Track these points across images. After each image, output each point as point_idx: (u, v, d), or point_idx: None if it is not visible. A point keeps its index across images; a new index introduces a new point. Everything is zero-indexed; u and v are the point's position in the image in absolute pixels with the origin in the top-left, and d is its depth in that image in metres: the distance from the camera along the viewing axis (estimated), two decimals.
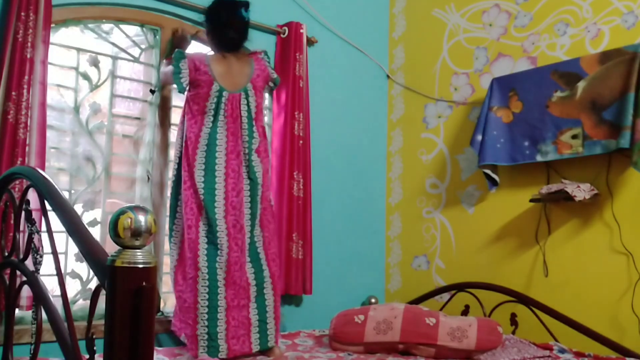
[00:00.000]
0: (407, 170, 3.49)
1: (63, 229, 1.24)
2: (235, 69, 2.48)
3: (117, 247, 0.98)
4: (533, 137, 2.74)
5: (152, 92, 2.66)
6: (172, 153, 2.75)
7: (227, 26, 2.47)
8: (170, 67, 2.46)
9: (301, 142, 2.97)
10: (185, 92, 2.44)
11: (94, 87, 2.54)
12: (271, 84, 2.63)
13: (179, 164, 2.44)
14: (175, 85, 2.45)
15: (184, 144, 2.41)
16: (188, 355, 2.29)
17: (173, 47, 2.64)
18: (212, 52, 2.58)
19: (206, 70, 2.40)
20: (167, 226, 2.57)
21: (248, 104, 2.48)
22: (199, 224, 2.34)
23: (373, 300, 3.22)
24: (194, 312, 2.28)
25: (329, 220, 3.22)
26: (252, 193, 2.46)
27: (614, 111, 2.48)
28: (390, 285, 3.47)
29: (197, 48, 2.81)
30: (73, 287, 2.40)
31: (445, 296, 3.05)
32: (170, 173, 2.54)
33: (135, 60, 2.70)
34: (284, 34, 3.05)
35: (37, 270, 1.43)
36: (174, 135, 2.77)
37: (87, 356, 1.11)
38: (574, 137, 2.60)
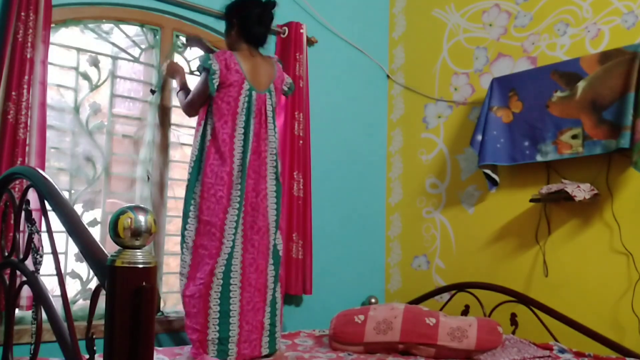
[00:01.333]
0: (407, 170, 3.49)
1: (63, 229, 1.24)
2: (261, 69, 2.43)
3: (117, 247, 0.98)
4: (533, 137, 2.74)
5: (153, 92, 2.66)
6: (172, 153, 2.76)
7: (259, 21, 2.42)
8: (200, 78, 2.35)
9: (301, 142, 2.97)
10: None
11: (94, 87, 2.54)
12: (285, 88, 2.58)
13: (197, 169, 2.34)
14: (174, 87, 2.41)
15: (208, 145, 2.31)
16: (188, 355, 2.27)
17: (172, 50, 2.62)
18: (236, 51, 2.45)
19: (237, 69, 2.34)
20: (167, 226, 2.56)
21: (272, 104, 2.44)
22: (224, 228, 2.26)
23: (373, 300, 3.22)
24: (204, 317, 2.23)
25: (329, 220, 3.22)
26: (277, 194, 2.42)
27: (614, 111, 2.48)
28: (390, 285, 3.47)
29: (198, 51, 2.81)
30: (73, 287, 2.40)
31: (445, 296, 3.05)
32: (177, 174, 2.45)
33: (135, 60, 2.70)
34: (284, 34, 3.05)
35: (37, 270, 1.43)
36: (174, 135, 2.77)
37: (87, 356, 1.11)
38: (574, 137, 2.60)
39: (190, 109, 2.45)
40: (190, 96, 2.42)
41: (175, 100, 2.80)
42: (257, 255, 2.35)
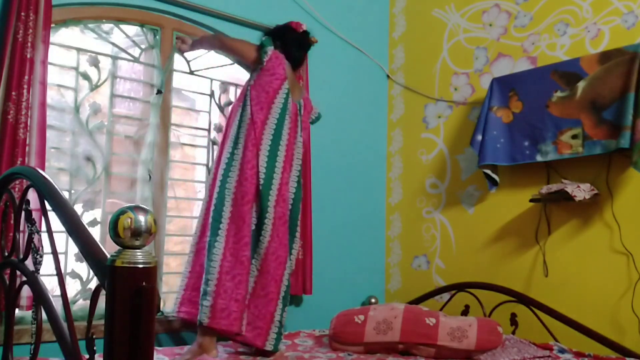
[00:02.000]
0: (407, 170, 3.49)
1: (63, 229, 1.24)
2: (296, 83, 2.65)
3: (117, 247, 0.98)
4: (533, 137, 2.74)
5: (160, 92, 2.66)
6: (172, 153, 2.76)
7: (299, 46, 2.68)
8: (251, 43, 2.59)
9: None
10: (253, 79, 2.50)
11: (94, 87, 2.54)
12: (313, 117, 2.77)
13: (235, 143, 2.43)
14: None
15: (246, 126, 2.43)
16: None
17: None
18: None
19: (284, 67, 2.51)
20: (167, 226, 2.56)
21: (300, 116, 2.59)
22: (255, 202, 2.37)
23: (373, 300, 3.23)
24: (244, 289, 2.29)
25: (329, 220, 3.22)
26: (296, 198, 2.51)
27: (614, 111, 2.48)
28: (390, 285, 3.48)
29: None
30: (73, 287, 2.40)
31: (445, 296, 3.05)
32: (178, 175, 2.52)
33: (135, 60, 2.70)
34: None
35: (37, 270, 1.43)
36: (174, 135, 2.77)
37: (87, 356, 1.11)
38: (574, 137, 2.60)
39: (224, 48, 2.71)
40: (234, 42, 2.67)
41: (176, 101, 2.80)
42: (280, 246, 2.40)
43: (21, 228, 1.68)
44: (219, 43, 2.71)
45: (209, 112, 2.91)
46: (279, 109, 2.46)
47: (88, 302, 2.32)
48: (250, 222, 2.36)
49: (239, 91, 2.88)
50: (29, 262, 1.49)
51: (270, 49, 2.50)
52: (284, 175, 2.45)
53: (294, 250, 2.49)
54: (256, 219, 2.38)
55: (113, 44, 2.63)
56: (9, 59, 2.15)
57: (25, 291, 2.02)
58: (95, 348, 1.10)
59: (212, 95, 2.92)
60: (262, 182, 2.37)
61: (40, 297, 1.39)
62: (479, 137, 2.89)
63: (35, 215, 1.63)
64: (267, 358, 2.36)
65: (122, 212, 0.97)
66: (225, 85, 2.99)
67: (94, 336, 1.11)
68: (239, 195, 2.36)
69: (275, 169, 2.42)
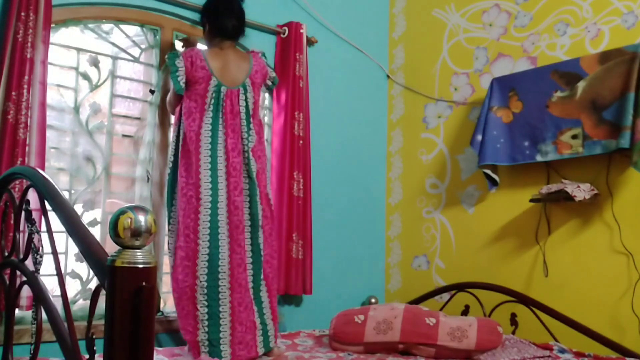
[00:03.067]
0: (407, 170, 3.49)
1: (63, 229, 1.24)
2: (233, 64, 2.43)
3: (117, 247, 0.98)
4: (533, 137, 2.74)
5: (152, 92, 2.66)
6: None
7: (228, 14, 2.45)
8: (169, 76, 2.43)
9: (301, 142, 2.97)
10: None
11: (94, 87, 2.54)
12: (269, 83, 2.60)
13: (175, 166, 2.38)
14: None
15: (181, 144, 2.36)
16: (188, 354, 2.27)
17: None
18: (207, 48, 2.52)
19: (203, 65, 2.35)
20: (167, 226, 2.55)
21: (246, 100, 2.43)
22: (197, 230, 2.26)
23: (373, 300, 3.22)
24: (193, 319, 2.24)
25: (329, 220, 3.22)
26: (251, 192, 2.40)
27: (614, 111, 2.48)
28: (390, 285, 3.48)
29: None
30: (73, 287, 2.40)
31: (445, 296, 3.05)
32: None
33: (135, 60, 2.70)
34: (284, 34, 3.05)
35: (37, 270, 1.43)
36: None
37: (87, 356, 1.11)
38: (574, 137, 2.60)
39: (169, 107, 2.53)
40: (168, 95, 2.51)
41: None
42: (244, 254, 2.34)
43: (21, 228, 1.68)
44: (169, 104, 2.54)
45: None
46: (211, 111, 2.33)
47: (88, 302, 2.32)
48: (195, 253, 2.26)
49: None
50: (29, 262, 1.49)
51: (179, 62, 2.32)
52: (230, 181, 2.32)
53: (261, 245, 2.41)
54: (208, 238, 2.26)
55: (113, 44, 2.63)
56: (9, 59, 2.15)
57: (25, 291, 2.01)
58: (95, 348, 1.10)
59: (179, 93, 2.90)
60: (209, 198, 2.27)
61: (40, 297, 1.39)
62: (479, 137, 2.89)
63: (35, 215, 1.63)
64: (267, 358, 2.37)
65: (122, 212, 0.97)
66: None
67: (94, 336, 1.11)
68: (179, 227, 2.32)
69: (219, 178, 2.30)
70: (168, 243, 2.41)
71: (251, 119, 2.44)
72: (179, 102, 2.44)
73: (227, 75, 2.40)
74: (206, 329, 2.22)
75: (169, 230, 2.41)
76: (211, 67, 2.36)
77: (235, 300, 2.28)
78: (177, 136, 2.39)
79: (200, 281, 2.24)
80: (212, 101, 2.35)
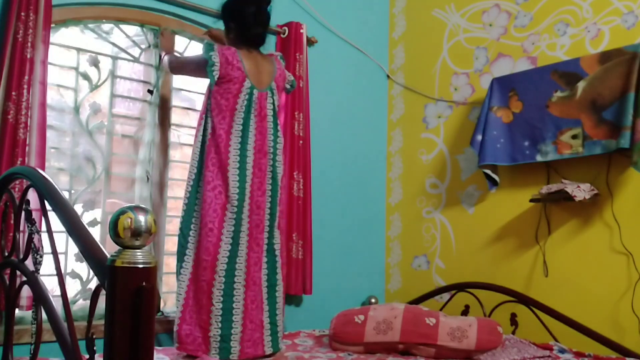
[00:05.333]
0: (407, 170, 3.49)
1: (63, 229, 1.24)
2: (262, 67, 2.43)
3: (117, 247, 0.98)
4: (533, 137, 2.74)
5: (150, 92, 2.66)
6: (172, 153, 2.76)
7: (256, 22, 2.42)
8: (197, 56, 2.38)
9: (301, 142, 2.97)
10: (212, 87, 2.34)
11: (94, 87, 2.54)
12: (288, 86, 2.59)
13: (200, 163, 2.34)
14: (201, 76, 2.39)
15: (208, 142, 2.32)
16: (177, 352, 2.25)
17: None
18: (238, 49, 2.43)
19: (239, 66, 2.33)
20: (167, 226, 2.54)
21: (273, 103, 2.44)
22: (222, 225, 2.27)
23: (373, 300, 3.22)
24: (206, 314, 2.24)
25: (329, 220, 3.22)
26: (273, 194, 2.42)
27: (614, 111, 2.48)
28: (390, 285, 3.47)
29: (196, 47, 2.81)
30: (73, 287, 2.40)
31: (445, 296, 3.05)
32: (177, 175, 2.47)
33: (135, 60, 2.70)
34: (284, 34, 3.05)
35: (37, 270, 1.43)
36: (173, 135, 2.77)
37: (87, 356, 1.11)
38: (574, 137, 2.60)
39: (178, 69, 2.54)
40: (185, 60, 2.52)
41: (175, 100, 2.80)
42: (261, 253, 2.36)
43: (21, 228, 1.68)
44: (177, 64, 2.55)
45: None
46: (243, 112, 2.33)
47: (88, 302, 2.32)
48: (216, 248, 2.26)
49: None
50: (29, 262, 1.49)
51: (214, 56, 2.28)
52: (255, 181, 2.34)
53: (275, 245, 2.42)
54: (231, 235, 2.27)
55: (113, 44, 2.63)
56: (9, 59, 2.15)
57: (25, 291, 2.02)
58: (95, 348, 1.10)
59: (211, 87, 2.90)
60: (236, 197, 2.28)
61: (40, 297, 1.39)
62: (479, 137, 2.89)
63: (35, 215, 1.63)
64: (268, 358, 2.37)
65: (122, 212, 0.97)
66: None
67: (94, 336, 1.11)
68: (202, 220, 2.29)
69: (247, 177, 2.31)
70: (188, 238, 2.32)
71: (278, 122, 2.47)
72: (197, 76, 2.47)
73: (259, 77, 2.40)
74: (219, 324, 2.23)
75: (190, 228, 2.32)
76: (246, 69, 2.35)
77: (249, 297, 2.30)
78: (205, 130, 2.36)
79: (219, 276, 2.25)
80: (245, 102, 2.35)
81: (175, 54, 2.67)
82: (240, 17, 2.41)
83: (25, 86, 2.16)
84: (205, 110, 2.37)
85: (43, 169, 2.16)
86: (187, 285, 2.28)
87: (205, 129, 2.35)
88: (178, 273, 2.30)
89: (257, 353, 2.30)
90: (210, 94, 2.35)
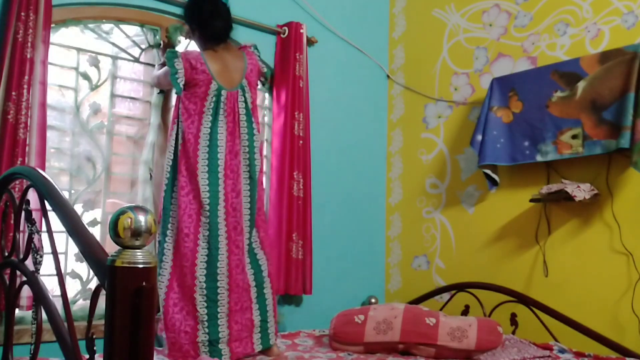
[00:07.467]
0: (407, 170, 3.49)
1: (63, 229, 1.24)
2: (230, 65, 2.42)
3: (117, 247, 0.98)
4: (533, 137, 2.74)
5: (161, 92, 2.64)
6: None
7: (213, 16, 2.40)
8: (164, 69, 2.41)
9: (301, 142, 2.97)
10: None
11: (94, 87, 2.54)
12: (262, 79, 2.59)
13: (173, 168, 2.35)
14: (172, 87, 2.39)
15: (180, 147, 2.34)
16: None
17: (165, 46, 2.63)
18: (202, 50, 2.46)
19: (204, 69, 2.33)
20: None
21: (245, 101, 2.43)
22: (198, 230, 2.27)
23: (373, 300, 3.22)
24: (193, 319, 2.24)
25: (329, 220, 3.22)
26: (252, 193, 2.42)
27: (614, 111, 2.48)
28: (390, 285, 3.47)
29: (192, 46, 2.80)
30: (73, 287, 2.40)
31: (445, 296, 3.05)
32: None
33: (136, 60, 2.69)
34: (284, 34, 3.05)
35: (37, 270, 1.43)
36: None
37: (87, 356, 1.11)
38: (574, 137, 2.60)
39: (157, 85, 2.58)
40: (157, 75, 2.53)
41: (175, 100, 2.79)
42: (242, 256, 2.35)
43: (21, 228, 1.68)
44: (154, 80, 2.57)
45: None
46: (211, 115, 2.32)
47: (88, 302, 2.32)
48: (194, 253, 2.25)
49: None
50: (29, 262, 1.49)
51: (177, 63, 2.28)
52: (228, 183, 2.33)
53: (253, 244, 2.41)
54: (207, 240, 2.27)
55: (113, 44, 2.63)
56: (9, 59, 2.15)
57: (25, 291, 2.01)
58: (95, 348, 1.10)
59: (178, 94, 2.89)
60: (207, 201, 2.27)
61: (40, 297, 1.39)
62: (479, 137, 2.89)
63: (35, 215, 1.63)
64: (267, 357, 2.37)
65: (122, 212, 0.97)
66: None
67: (94, 336, 1.11)
68: (179, 226, 2.29)
69: (219, 180, 2.30)
70: (164, 244, 2.33)
71: (252, 119, 2.45)
72: (171, 87, 2.42)
73: (226, 77, 2.39)
74: (206, 329, 2.23)
75: (167, 234, 2.34)
76: (211, 71, 2.35)
77: (233, 300, 2.30)
78: (176, 136, 2.38)
79: (200, 282, 2.25)
80: (212, 105, 2.34)
81: (155, 68, 2.64)
82: (199, 14, 2.42)
83: (25, 86, 2.16)
84: (177, 116, 2.37)
85: (43, 169, 2.16)
86: (166, 292, 2.26)
87: (177, 135, 2.36)
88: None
89: (246, 351, 2.31)
90: (178, 99, 2.37)
